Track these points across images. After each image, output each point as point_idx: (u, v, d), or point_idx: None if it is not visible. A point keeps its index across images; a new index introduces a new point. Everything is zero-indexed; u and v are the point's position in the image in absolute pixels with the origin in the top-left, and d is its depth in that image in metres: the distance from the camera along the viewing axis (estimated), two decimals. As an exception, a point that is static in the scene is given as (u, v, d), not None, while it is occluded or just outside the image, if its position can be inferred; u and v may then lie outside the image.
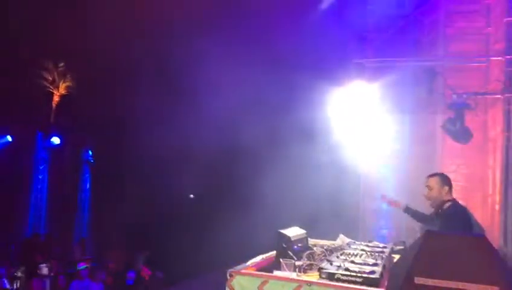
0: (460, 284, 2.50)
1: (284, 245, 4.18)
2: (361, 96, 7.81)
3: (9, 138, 13.15)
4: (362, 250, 4.51)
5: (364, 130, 8.02)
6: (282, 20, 8.82)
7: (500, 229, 6.98)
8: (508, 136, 7.04)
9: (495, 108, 7.47)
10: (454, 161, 7.61)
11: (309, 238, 4.78)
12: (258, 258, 4.33)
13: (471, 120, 7.33)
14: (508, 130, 7.06)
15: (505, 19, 7.24)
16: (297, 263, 3.93)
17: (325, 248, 4.61)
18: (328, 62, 8.30)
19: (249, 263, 4.14)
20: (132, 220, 11.46)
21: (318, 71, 8.31)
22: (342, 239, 5.14)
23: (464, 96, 7.19)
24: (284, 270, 3.84)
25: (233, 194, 11.11)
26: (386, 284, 3.37)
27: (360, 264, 3.87)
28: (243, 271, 3.88)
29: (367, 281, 3.49)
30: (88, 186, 14.82)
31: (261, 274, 3.81)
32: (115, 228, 11.81)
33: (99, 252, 11.58)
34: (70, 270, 9.97)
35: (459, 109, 7.16)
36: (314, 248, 4.50)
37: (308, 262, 3.99)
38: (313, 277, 3.75)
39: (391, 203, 5.63)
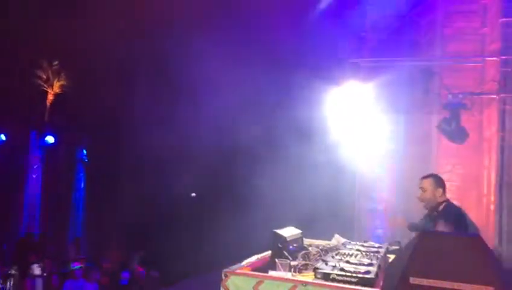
0: (455, 284, 2.49)
1: (280, 245, 4.17)
2: (357, 96, 7.82)
3: (3, 137, 13.09)
4: (357, 250, 4.50)
5: (360, 129, 8.02)
6: (278, 20, 8.81)
7: (495, 229, 7.00)
8: (503, 136, 7.06)
9: (490, 108, 7.48)
10: (449, 160, 7.62)
11: (304, 238, 4.77)
12: (253, 258, 4.31)
13: (466, 120, 7.35)
14: (503, 130, 7.07)
15: (501, 20, 7.26)
16: (293, 263, 3.92)
17: (320, 248, 4.59)
18: (324, 62, 8.29)
19: (244, 263, 4.13)
20: (127, 219, 11.44)
21: (314, 71, 8.31)
22: (337, 239, 5.13)
23: (460, 96, 7.20)
24: (279, 270, 3.82)
25: (230, 194, 11.09)
26: (381, 284, 3.37)
27: (355, 264, 3.87)
28: (238, 271, 3.86)
29: (362, 281, 3.48)
30: (82, 185, 14.77)
31: (256, 274, 3.80)
32: (109, 228, 11.78)
33: (94, 251, 11.53)
34: (64, 270, 9.93)
35: (454, 109, 7.17)
36: (310, 248, 4.49)
37: (304, 262, 3.98)
38: (308, 277, 3.74)
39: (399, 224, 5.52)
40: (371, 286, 3.45)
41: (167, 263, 10.05)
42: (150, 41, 10.69)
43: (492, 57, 7.46)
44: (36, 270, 9.20)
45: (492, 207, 7.18)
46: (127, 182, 12.44)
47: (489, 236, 6.85)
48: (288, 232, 4.43)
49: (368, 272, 3.59)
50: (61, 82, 13.48)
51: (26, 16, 10.99)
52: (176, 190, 11.63)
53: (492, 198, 7.19)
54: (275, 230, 4.32)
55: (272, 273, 3.79)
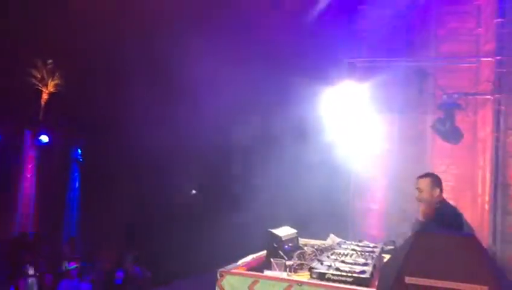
0: (450, 284, 2.50)
1: (275, 245, 4.18)
2: (352, 95, 7.83)
3: (-3, 136, 13.03)
4: (352, 250, 4.52)
5: (355, 129, 8.03)
6: (274, 20, 8.81)
7: (490, 228, 7.01)
8: (497, 137, 7.07)
9: (485, 108, 7.51)
10: (444, 161, 7.64)
11: (299, 238, 4.78)
12: (249, 258, 4.32)
13: (461, 120, 7.37)
14: (497, 130, 7.09)
15: (495, 20, 7.27)
16: (288, 262, 3.93)
17: (315, 247, 4.61)
18: (319, 62, 8.31)
19: (240, 262, 4.13)
20: (122, 219, 11.41)
21: (309, 71, 8.32)
22: (332, 239, 5.14)
23: (454, 96, 7.22)
24: (275, 270, 3.83)
25: (225, 193, 11.09)
26: (376, 283, 3.37)
27: (351, 264, 3.88)
28: (233, 271, 3.87)
29: (357, 281, 3.49)
30: (77, 185, 14.71)
31: (252, 274, 3.80)
32: (104, 227, 11.74)
33: (88, 251, 11.50)
34: (59, 269, 9.89)
35: (449, 109, 7.19)
36: (305, 248, 4.50)
37: (299, 262, 3.99)
38: (303, 276, 3.74)
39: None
40: (366, 286, 3.46)
41: (162, 263, 10.04)
42: (146, 40, 10.66)
43: (487, 57, 7.48)
44: (30, 269, 9.17)
45: (486, 207, 7.21)
46: (121, 182, 12.41)
47: (484, 236, 6.88)
48: (284, 231, 4.44)
49: (363, 272, 3.61)
50: (56, 81, 13.43)
51: (21, 15, 10.94)
52: (171, 189, 11.62)
53: (487, 198, 7.21)
54: (270, 230, 4.33)
55: (267, 273, 3.80)
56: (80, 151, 14.69)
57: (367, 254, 4.35)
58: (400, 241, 4.57)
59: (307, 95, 7.93)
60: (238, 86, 9.05)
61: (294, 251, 4.21)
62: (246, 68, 8.64)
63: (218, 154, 10.96)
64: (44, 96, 13.46)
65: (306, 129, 8.31)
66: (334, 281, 3.54)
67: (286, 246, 4.24)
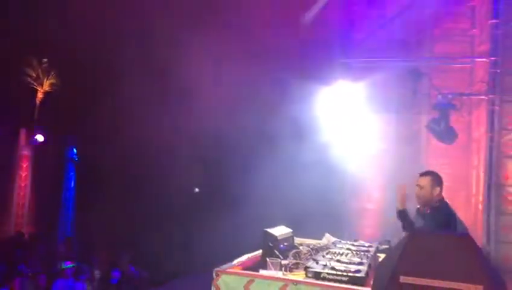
0: (445, 283, 2.51)
1: (270, 244, 4.19)
2: (348, 95, 7.87)
3: (-8, 135, 12.97)
4: (348, 249, 4.54)
5: (350, 129, 8.06)
6: (270, 20, 8.82)
7: (483, 228, 7.06)
8: (491, 137, 7.12)
9: (479, 109, 7.55)
10: (438, 160, 7.67)
11: (295, 237, 4.79)
12: (244, 257, 4.33)
13: (455, 120, 7.41)
14: (491, 130, 7.13)
15: (490, 21, 7.32)
16: (284, 262, 3.94)
17: (311, 247, 4.63)
18: (314, 62, 8.32)
19: (235, 262, 4.15)
20: (118, 219, 11.39)
21: (305, 71, 8.33)
22: (327, 238, 5.16)
23: (449, 96, 7.26)
24: (270, 269, 3.84)
25: (221, 193, 11.09)
26: (371, 283, 3.39)
27: (346, 263, 3.90)
28: (229, 270, 3.88)
29: (353, 280, 3.51)
30: (73, 184, 14.67)
31: (247, 273, 3.82)
32: (99, 227, 11.71)
33: (84, 251, 11.47)
34: (55, 269, 9.87)
35: (443, 109, 7.22)
36: (300, 247, 4.52)
37: (294, 261, 4.00)
38: (299, 276, 3.76)
39: (401, 197, 4.91)
40: (361, 285, 3.48)
41: (158, 263, 10.03)
42: (143, 38, 10.64)
43: (481, 58, 7.52)
44: (25, 269, 9.16)
45: (480, 207, 7.25)
46: (117, 181, 12.38)
47: (478, 235, 6.91)
48: (279, 231, 4.45)
49: (358, 271, 3.63)
50: (51, 80, 13.38)
51: (17, 14, 10.91)
52: (167, 189, 11.60)
53: (481, 198, 7.25)
54: (266, 229, 4.34)
55: (262, 272, 3.81)
56: (75, 150, 14.65)
57: (362, 253, 4.37)
58: (394, 241, 4.60)
59: (302, 95, 7.95)
60: (233, 86, 9.06)
61: (289, 250, 4.22)
62: (241, 68, 8.64)
63: (213, 154, 10.96)
64: (40, 95, 13.41)
65: (302, 129, 8.33)
66: (329, 280, 3.56)
67: (281, 246, 4.25)
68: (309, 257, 4.20)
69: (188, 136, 10.27)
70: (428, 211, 4.71)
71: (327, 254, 4.28)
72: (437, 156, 7.75)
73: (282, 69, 8.94)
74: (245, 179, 9.38)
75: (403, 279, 2.57)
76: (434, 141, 7.57)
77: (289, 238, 4.56)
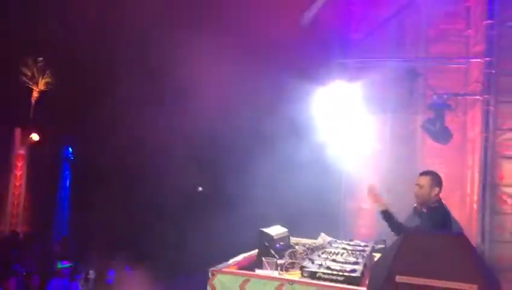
0: (440, 283, 2.53)
1: (266, 244, 4.19)
2: (344, 96, 7.88)
3: (-13, 134, 12.93)
4: (343, 249, 4.55)
5: (346, 129, 8.07)
6: (266, 21, 8.82)
7: (478, 228, 7.09)
8: (486, 137, 7.15)
9: (474, 109, 7.58)
10: (433, 160, 7.69)
11: (291, 237, 4.80)
12: (240, 257, 4.34)
13: (450, 121, 7.44)
14: (486, 131, 7.17)
15: (485, 22, 7.35)
16: (279, 261, 3.95)
17: (306, 246, 4.63)
18: (311, 62, 8.33)
19: (231, 261, 4.15)
20: (114, 218, 11.36)
21: (301, 71, 8.34)
22: (323, 238, 5.17)
23: (444, 96, 7.28)
24: (266, 268, 3.85)
25: (216, 193, 11.09)
26: (366, 282, 3.40)
27: (342, 262, 3.91)
28: (225, 270, 3.88)
29: (348, 280, 3.52)
30: (68, 184, 14.63)
31: (243, 273, 3.82)
32: (95, 226, 11.69)
33: (79, 250, 11.45)
34: (50, 269, 9.84)
35: (439, 110, 7.24)
36: (296, 247, 4.53)
37: (290, 261, 4.01)
38: (294, 275, 3.77)
39: (374, 196, 5.04)
40: (357, 285, 3.49)
41: (154, 262, 10.01)
42: (139, 38, 10.63)
43: (476, 58, 7.55)
44: (20, 269, 9.13)
45: (475, 207, 7.28)
46: (113, 181, 12.36)
47: (472, 235, 6.94)
48: (275, 230, 4.46)
49: (353, 271, 3.64)
50: (46, 79, 13.35)
51: (12, 14, 10.87)
52: (162, 189, 11.59)
53: (476, 198, 7.28)
54: (262, 229, 4.34)
55: (258, 271, 3.82)
56: (70, 149, 14.61)
57: (358, 253, 4.38)
58: (390, 241, 4.61)
59: (298, 95, 7.95)
60: (229, 86, 9.06)
61: (285, 250, 4.23)
62: (237, 69, 8.64)
63: (208, 154, 10.95)
64: (35, 94, 13.37)
65: (298, 129, 8.34)
66: (325, 279, 3.57)
67: (277, 245, 4.26)
68: (305, 256, 4.21)
69: (184, 136, 10.27)
70: (425, 211, 4.72)
71: (323, 253, 4.29)
72: (432, 156, 7.77)
73: (278, 68, 8.95)
74: (241, 179, 9.38)
75: (398, 278, 2.58)
76: (429, 141, 7.60)
77: (285, 238, 4.57)
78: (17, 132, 13.66)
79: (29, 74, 13.16)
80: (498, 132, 7.18)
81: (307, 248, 4.51)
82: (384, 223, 4.84)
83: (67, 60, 11.61)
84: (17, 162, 13.74)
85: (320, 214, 7.81)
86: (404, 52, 8.02)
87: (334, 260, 3.98)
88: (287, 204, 8.33)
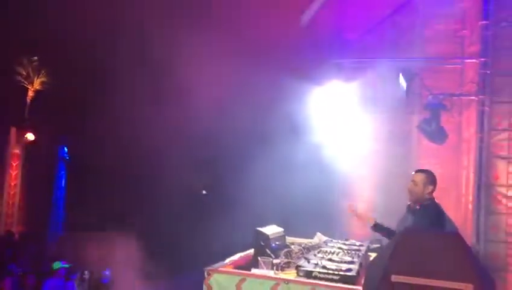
0: (436, 282, 2.54)
1: (262, 243, 4.20)
2: (340, 96, 7.91)
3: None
4: (339, 248, 4.56)
5: (343, 129, 8.10)
6: (262, 20, 8.82)
7: (473, 228, 7.12)
8: (481, 137, 7.18)
9: (469, 109, 7.61)
10: (429, 160, 7.71)
11: (287, 237, 4.81)
12: (236, 256, 4.34)
13: (446, 121, 7.47)
14: (481, 131, 7.19)
15: (480, 22, 7.38)
16: (275, 261, 3.96)
17: (302, 246, 4.64)
18: (307, 62, 8.35)
19: (227, 261, 4.15)
20: (110, 218, 11.35)
21: (298, 71, 8.35)
22: (319, 237, 5.18)
23: (440, 97, 7.30)
24: (262, 268, 3.86)
25: (212, 193, 11.09)
26: (362, 282, 3.41)
27: (337, 262, 3.92)
28: (221, 269, 3.89)
29: (344, 279, 3.53)
30: (63, 183, 14.59)
31: (239, 272, 3.83)
32: (91, 226, 11.68)
33: (75, 250, 11.42)
34: (45, 268, 9.82)
35: (434, 110, 7.27)
36: (292, 246, 4.53)
37: (286, 260, 4.02)
38: (290, 274, 3.78)
39: (358, 216, 5.22)
40: (353, 284, 3.50)
41: (149, 262, 10.01)
42: (136, 37, 10.61)
43: (471, 59, 7.58)
44: (15, 268, 9.11)
45: (470, 207, 7.31)
46: (108, 180, 12.34)
47: (467, 235, 6.97)
48: (271, 230, 4.46)
49: (349, 270, 3.65)
50: (42, 79, 13.31)
51: (7, 13, 10.83)
52: (159, 188, 11.58)
53: (471, 198, 7.31)
54: (258, 228, 4.35)
55: (254, 271, 3.83)
56: (66, 149, 14.56)
57: (353, 252, 4.40)
58: (385, 240, 4.63)
59: (295, 95, 7.97)
60: (226, 86, 9.05)
61: (281, 249, 4.24)
62: (234, 69, 8.64)
63: (205, 154, 10.95)
64: (30, 93, 13.33)
65: (294, 129, 8.35)
66: (320, 279, 3.57)
67: (273, 245, 4.26)
68: (300, 255, 4.22)
69: (180, 136, 10.26)
70: (418, 208, 4.77)
71: (318, 253, 4.30)
72: (428, 156, 7.79)
73: (275, 68, 8.95)
74: (237, 179, 9.38)
75: (394, 278, 2.59)
76: (425, 141, 7.62)
77: (281, 237, 4.58)
78: (13, 131, 13.60)
79: (24, 73, 13.12)
80: (493, 132, 7.20)
81: (303, 247, 4.52)
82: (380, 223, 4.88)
83: (62, 59, 11.58)
84: (12, 162, 13.68)
85: (316, 213, 7.82)
86: (399, 52, 8.04)
87: (329, 259, 3.99)
88: (283, 204, 8.34)
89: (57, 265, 9.03)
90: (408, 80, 7.33)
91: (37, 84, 13.38)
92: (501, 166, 7.13)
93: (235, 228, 7.59)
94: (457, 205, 7.62)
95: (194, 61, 8.83)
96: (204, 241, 9.40)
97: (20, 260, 9.91)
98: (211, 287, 3.74)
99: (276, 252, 4.15)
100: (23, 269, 9.63)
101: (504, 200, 7.03)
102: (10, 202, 13.59)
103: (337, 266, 3.75)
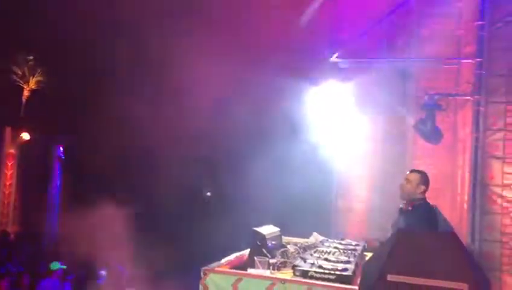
0: (432, 282, 2.55)
1: (258, 243, 4.20)
2: (336, 96, 7.92)
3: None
4: (335, 248, 4.57)
5: (339, 129, 8.11)
6: (259, 20, 8.83)
7: (468, 227, 7.14)
8: (476, 137, 7.20)
9: (465, 109, 7.63)
10: (425, 160, 7.73)
11: (283, 236, 4.81)
12: (232, 256, 4.34)
13: (441, 121, 7.48)
14: (476, 131, 7.22)
15: (476, 23, 7.40)
16: (271, 260, 3.96)
17: (298, 245, 4.65)
18: (303, 62, 8.36)
19: (223, 261, 4.15)
20: (106, 217, 11.30)
21: (294, 71, 8.36)
22: (315, 237, 5.19)
23: (436, 97, 7.32)
24: (258, 268, 3.86)
25: (209, 193, 11.08)
26: (358, 281, 3.42)
27: (333, 261, 3.93)
28: (217, 269, 3.89)
29: (340, 279, 3.54)
30: (59, 183, 14.54)
31: (235, 272, 3.83)
32: (87, 226, 11.63)
33: (71, 250, 11.39)
34: (41, 269, 9.79)
35: (430, 110, 7.29)
36: (288, 246, 4.54)
37: (282, 260, 4.02)
38: (286, 274, 3.78)
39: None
40: (349, 283, 3.51)
41: (146, 262, 9.99)
42: (132, 36, 10.58)
43: (467, 59, 7.60)
44: (12, 268, 9.09)
45: (465, 206, 7.33)
46: (104, 180, 12.31)
47: (463, 234, 6.99)
48: (267, 230, 4.47)
49: (345, 270, 3.66)
50: (38, 78, 13.27)
51: (3, 12, 10.80)
52: (155, 189, 11.56)
53: (466, 197, 7.33)
54: (254, 228, 4.35)
55: (251, 271, 3.83)
56: (61, 148, 14.52)
57: (349, 252, 4.41)
58: (382, 239, 4.63)
59: (291, 95, 7.98)
60: (222, 86, 9.05)
61: (277, 249, 4.24)
62: (230, 69, 8.64)
63: (201, 154, 10.94)
64: (26, 93, 13.29)
65: (290, 129, 8.36)
66: (316, 278, 3.58)
67: (269, 244, 4.27)
68: (297, 255, 4.23)
69: (178, 136, 10.24)
70: (410, 209, 4.81)
71: (315, 252, 4.30)
72: (423, 156, 7.81)
73: (271, 68, 8.96)
74: (233, 179, 9.38)
75: (390, 277, 2.59)
76: (421, 141, 7.64)
77: (277, 237, 4.58)
78: (8, 130, 13.56)
79: (20, 72, 13.08)
80: (488, 132, 7.23)
81: (299, 247, 4.53)
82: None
83: (58, 58, 11.55)
84: (8, 161, 13.64)
85: (312, 213, 7.83)
86: (396, 52, 8.06)
87: (326, 259, 3.99)
88: (279, 203, 8.35)
89: (54, 266, 9.02)
90: (404, 80, 7.35)
91: (32, 83, 13.34)
92: (496, 166, 7.15)
93: (231, 227, 7.59)
94: (453, 205, 7.64)
95: (191, 61, 8.82)
96: (199, 240, 9.39)
97: (16, 260, 9.87)
98: (207, 287, 3.74)
99: (272, 252, 4.16)
100: (18, 269, 9.60)
101: (499, 200, 7.06)
102: (5, 202, 13.54)
103: (333, 265, 3.76)
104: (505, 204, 7.04)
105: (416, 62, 7.96)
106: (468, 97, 7.47)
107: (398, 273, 2.58)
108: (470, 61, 7.50)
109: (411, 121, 7.67)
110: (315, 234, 5.23)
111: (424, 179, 4.89)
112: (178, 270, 9.04)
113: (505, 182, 7.08)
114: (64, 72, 11.81)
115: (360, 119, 8.11)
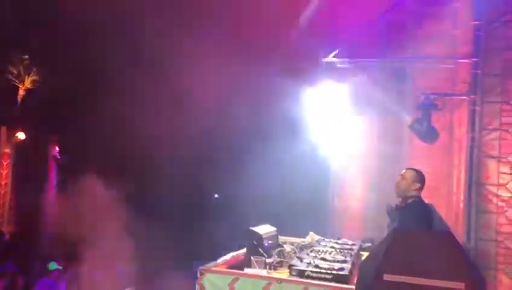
0: (428, 281, 2.55)
1: (255, 242, 4.21)
2: (332, 95, 7.93)
3: (-28, 133, 12.78)
4: (331, 247, 4.59)
5: (335, 129, 8.12)
6: (255, 20, 8.82)
7: (464, 226, 7.17)
8: (472, 137, 7.23)
9: (461, 109, 7.66)
10: (421, 160, 7.74)
11: (279, 236, 4.82)
12: (229, 256, 4.34)
13: (437, 120, 7.51)
14: (472, 130, 7.24)
15: (472, 22, 7.42)
16: (268, 260, 3.97)
17: (295, 245, 4.66)
18: (299, 62, 8.36)
19: (220, 260, 4.16)
20: (105, 217, 11.28)
21: (290, 71, 8.36)
22: (311, 237, 5.20)
23: (432, 97, 7.34)
24: (255, 267, 3.87)
25: (206, 192, 11.07)
26: (355, 281, 3.43)
27: (330, 261, 3.94)
28: (213, 269, 3.89)
29: (336, 278, 3.55)
30: (55, 183, 14.48)
31: (232, 272, 3.83)
32: (83, 226, 11.60)
33: (67, 250, 11.36)
34: (38, 269, 9.77)
35: (426, 109, 7.31)
36: (285, 245, 4.55)
37: (279, 259, 4.03)
38: (283, 274, 3.79)
39: None
40: (345, 283, 3.52)
41: (143, 261, 9.98)
42: (128, 34, 10.56)
43: (463, 59, 7.62)
44: (8, 268, 9.06)
45: (461, 205, 7.36)
46: (101, 180, 12.27)
47: (458, 234, 7.01)
48: (264, 229, 4.48)
49: (342, 269, 3.67)
50: (33, 77, 13.22)
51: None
52: (152, 189, 11.53)
53: (462, 197, 7.36)
54: (251, 227, 4.36)
55: (247, 270, 3.84)
56: (57, 148, 14.46)
57: (346, 251, 4.42)
58: (378, 239, 4.64)
59: (286, 95, 7.98)
60: (218, 86, 9.04)
61: (274, 249, 4.25)
62: (227, 68, 8.64)
63: (198, 153, 10.92)
64: (21, 92, 13.23)
65: (287, 129, 8.36)
66: (313, 278, 3.59)
67: (266, 244, 4.27)
68: (293, 255, 4.24)
69: (176, 136, 10.22)
70: (403, 205, 4.84)
71: (311, 252, 4.31)
72: (419, 156, 7.82)
73: (267, 68, 8.95)
74: (229, 179, 9.37)
75: (386, 277, 2.60)
76: (416, 141, 7.66)
77: (274, 237, 4.59)
78: (3, 130, 13.49)
79: (15, 71, 13.03)
80: (484, 132, 7.25)
81: (296, 247, 4.54)
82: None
83: (54, 57, 11.51)
84: (3, 161, 13.58)
85: (308, 213, 7.84)
86: (392, 52, 8.07)
87: (322, 259, 4.00)
88: (275, 203, 8.34)
89: (52, 266, 9.01)
90: (400, 80, 7.37)
91: (28, 83, 13.28)
92: (492, 165, 7.18)
93: (228, 227, 7.59)
94: (449, 204, 7.66)
95: (189, 61, 8.81)
96: (195, 241, 9.38)
97: (11, 260, 9.83)
98: (204, 287, 3.74)
99: (268, 252, 4.16)
100: (14, 269, 9.56)
101: (495, 199, 7.09)
102: (1, 202, 13.49)
103: (329, 265, 3.77)
104: (500, 203, 7.07)
105: (413, 62, 7.98)
106: (464, 97, 7.49)
107: (395, 273, 2.58)
108: (466, 61, 7.53)
109: (407, 120, 7.69)
110: (311, 233, 5.24)
111: (420, 177, 4.92)
112: (178, 270, 9.02)
113: (501, 181, 7.10)
114: (60, 71, 11.76)
115: (356, 119, 8.12)
